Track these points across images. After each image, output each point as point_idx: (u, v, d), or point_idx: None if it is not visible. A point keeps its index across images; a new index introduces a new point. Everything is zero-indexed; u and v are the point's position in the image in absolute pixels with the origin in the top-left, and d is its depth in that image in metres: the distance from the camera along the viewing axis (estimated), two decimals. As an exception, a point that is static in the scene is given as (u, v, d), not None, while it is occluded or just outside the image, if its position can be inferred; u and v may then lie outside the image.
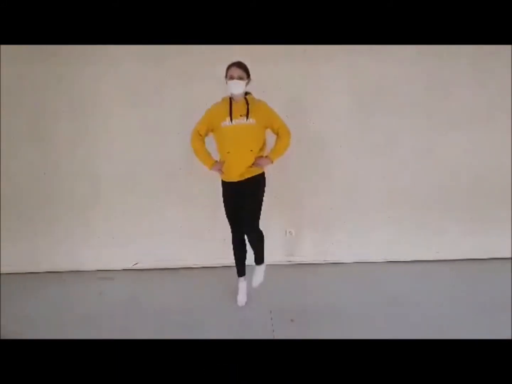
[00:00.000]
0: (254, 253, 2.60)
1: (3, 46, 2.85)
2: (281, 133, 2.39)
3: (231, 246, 2.59)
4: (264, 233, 2.54)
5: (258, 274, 2.61)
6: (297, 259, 3.29)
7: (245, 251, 2.60)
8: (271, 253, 3.15)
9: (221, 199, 2.51)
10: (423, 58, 2.98)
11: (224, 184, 2.46)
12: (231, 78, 2.24)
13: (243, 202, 2.41)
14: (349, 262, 3.27)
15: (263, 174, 2.45)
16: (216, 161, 2.45)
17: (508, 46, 2.94)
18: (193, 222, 3.19)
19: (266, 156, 2.41)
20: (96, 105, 3.02)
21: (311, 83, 3.01)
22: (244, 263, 2.64)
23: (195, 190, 3.11)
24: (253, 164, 2.34)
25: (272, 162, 2.40)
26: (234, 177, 2.37)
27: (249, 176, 2.36)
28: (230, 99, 2.32)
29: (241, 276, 2.64)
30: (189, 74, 2.96)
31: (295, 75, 2.99)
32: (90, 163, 3.10)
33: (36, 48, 2.83)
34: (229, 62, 2.30)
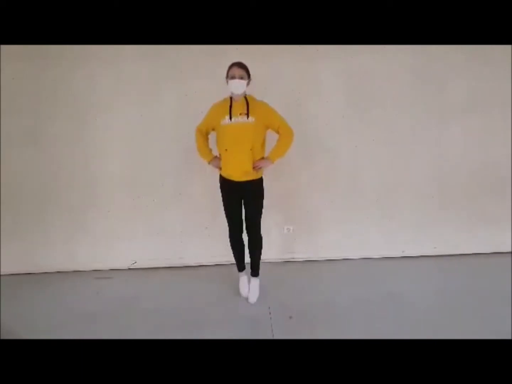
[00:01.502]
0: (251, 261, 2.61)
1: (3, 46, 2.85)
2: (282, 132, 2.38)
3: (229, 243, 2.60)
4: (262, 230, 2.53)
5: (254, 290, 2.62)
6: (296, 256, 3.30)
7: (243, 247, 2.61)
8: (269, 250, 3.16)
9: (220, 197, 2.51)
10: (419, 52, 2.97)
11: (224, 181, 2.46)
12: (233, 77, 2.25)
13: (246, 205, 2.44)
14: (348, 258, 3.27)
15: (261, 179, 2.46)
16: (215, 157, 2.47)
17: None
18: (191, 221, 3.19)
19: (266, 158, 2.41)
20: (93, 105, 3.02)
21: (309, 81, 3.02)
22: (243, 259, 2.65)
23: (193, 188, 3.12)
24: (253, 167, 2.34)
25: (272, 162, 2.40)
26: (234, 176, 2.37)
27: (250, 179, 2.37)
28: (231, 98, 2.34)
29: (241, 271, 2.66)
30: (187, 74, 2.96)
31: (293, 73, 2.99)
32: (88, 163, 3.09)
33: (34, 48, 2.83)
34: (228, 61, 2.31)
